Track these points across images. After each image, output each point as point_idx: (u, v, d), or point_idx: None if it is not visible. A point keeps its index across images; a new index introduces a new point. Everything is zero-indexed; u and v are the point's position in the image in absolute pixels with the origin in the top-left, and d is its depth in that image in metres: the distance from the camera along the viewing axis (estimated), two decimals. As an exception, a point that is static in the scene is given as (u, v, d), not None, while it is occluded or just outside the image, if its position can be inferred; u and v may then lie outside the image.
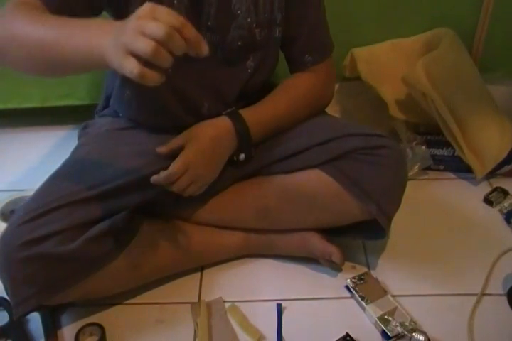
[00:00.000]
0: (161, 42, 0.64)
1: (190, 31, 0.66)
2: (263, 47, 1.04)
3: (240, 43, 1.01)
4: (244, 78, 1.07)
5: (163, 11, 0.66)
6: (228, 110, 1.05)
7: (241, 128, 1.03)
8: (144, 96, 1.07)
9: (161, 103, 1.07)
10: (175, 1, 0.95)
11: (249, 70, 1.06)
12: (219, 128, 1.03)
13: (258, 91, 1.14)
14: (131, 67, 0.65)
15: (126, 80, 0.72)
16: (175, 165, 0.97)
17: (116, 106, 1.15)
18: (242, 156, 1.06)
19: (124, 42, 0.66)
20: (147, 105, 1.09)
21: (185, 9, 0.96)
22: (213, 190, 1.08)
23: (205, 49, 0.68)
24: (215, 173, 1.04)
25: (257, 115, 1.06)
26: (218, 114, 1.09)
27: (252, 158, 1.07)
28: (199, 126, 1.03)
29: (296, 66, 1.12)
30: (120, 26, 0.69)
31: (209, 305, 1.05)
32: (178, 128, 1.06)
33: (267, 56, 1.06)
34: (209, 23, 0.98)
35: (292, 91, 1.10)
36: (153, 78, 0.66)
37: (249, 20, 0.99)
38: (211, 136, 1.02)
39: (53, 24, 0.78)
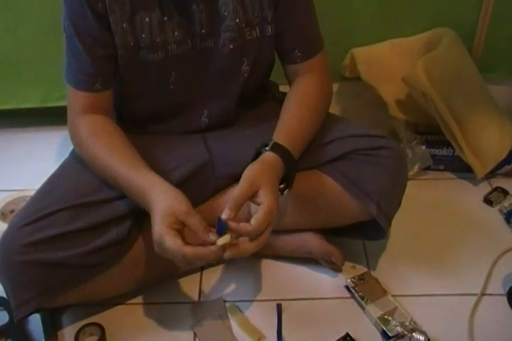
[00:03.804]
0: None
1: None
2: (256, 49, 1.04)
3: (231, 46, 1.00)
4: (241, 83, 1.06)
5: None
6: (265, 143, 0.97)
7: (288, 158, 0.96)
8: (144, 107, 1.08)
9: (159, 113, 1.08)
10: (165, 18, 0.95)
11: (245, 75, 1.05)
12: (271, 164, 0.94)
13: (256, 92, 1.14)
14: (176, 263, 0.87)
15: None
16: (260, 218, 0.86)
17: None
18: (285, 190, 0.99)
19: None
20: (146, 114, 1.09)
21: (177, 24, 0.96)
22: (212, 191, 1.09)
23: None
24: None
25: (289, 137, 0.99)
26: (217, 121, 1.09)
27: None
28: (252, 170, 0.92)
29: (286, 62, 1.09)
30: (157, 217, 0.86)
31: (209, 305, 1.05)
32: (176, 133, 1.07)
33: (261, 58, 1.06)
34: (203, 31, 0.98)
35: (305, 103, 1.06)
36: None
37: (237, 20, 0.98)
38: (273, 176, 0.93)
39: (108, 172, 0.95)
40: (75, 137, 1.01)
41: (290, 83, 1.11)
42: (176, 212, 0.85)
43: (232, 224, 0.85)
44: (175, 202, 0.87)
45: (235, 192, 0.88)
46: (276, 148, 0.96)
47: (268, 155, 0.95)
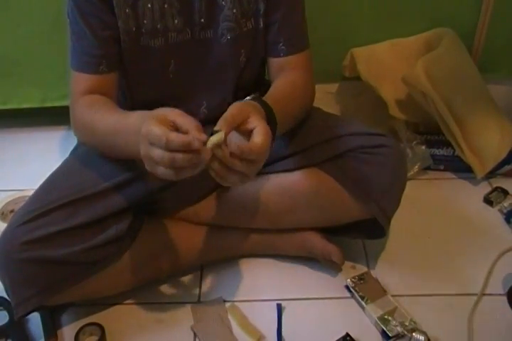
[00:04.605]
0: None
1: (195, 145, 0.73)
2: (252, 40, 1.04)
3: (229, 37, 1.01)
4: (238, 73, 1.07)
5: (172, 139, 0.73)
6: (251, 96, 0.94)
7: (267, 107, 0.90)
8: (144, 98, 1.08)
9: (159, 104, 1.08)
10: (165, 6, 0.96)
11: (242, 66, 1.06)
12: (255, 105, 0.88)
13: (253, 87, 1.14)
14: (164, 176, 0.76)
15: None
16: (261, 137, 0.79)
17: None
18: None
19: (148, 168, 0.78)
20: (146, 106, 1.09)
21: (177, 11, 0.97)
22: (212, 188, 1.09)
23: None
24: None
25: (271, 101, 0.93)
26: (215, 113, 1.09)
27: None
28: (238, 103, 0.86)
29: (270, 54, 1.08)
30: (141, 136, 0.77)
31: (209, 305, 1.05)
32: None
33: (257, 50, 1.06)
34: (202, 20, 1.00)
35: (288, 89, 1.04)
36: (187, 175, 0.76)
37: (234, 11, 1.00)
38: (259, 112, 0.86)
39: (107, 129, 0.91)
40: (74, 116, 1.00)
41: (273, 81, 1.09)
42: (166, 114, 0.79)
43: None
44: (166, 109, 0.81)
45: (224, 114, 0.80)
46: (258, 99, 0.91)
47: (250, 101, 0.89)
